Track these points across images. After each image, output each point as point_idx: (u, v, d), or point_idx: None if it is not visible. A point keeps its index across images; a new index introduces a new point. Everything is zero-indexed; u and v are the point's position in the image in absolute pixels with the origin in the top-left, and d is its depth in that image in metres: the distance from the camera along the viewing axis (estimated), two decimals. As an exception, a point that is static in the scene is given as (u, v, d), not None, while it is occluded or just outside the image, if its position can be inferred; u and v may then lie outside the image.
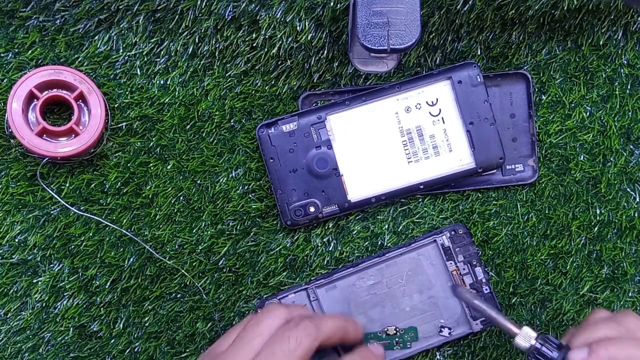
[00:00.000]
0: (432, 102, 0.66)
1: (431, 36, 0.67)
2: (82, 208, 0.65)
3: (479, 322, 0.66)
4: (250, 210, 0.66)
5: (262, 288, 0.67)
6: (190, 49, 0.66)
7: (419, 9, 0.57)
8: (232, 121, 0.66)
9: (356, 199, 0.66)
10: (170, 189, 0.66)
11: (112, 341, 0.66)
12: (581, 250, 0.68)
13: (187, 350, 0.66)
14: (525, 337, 0.56)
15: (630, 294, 0.68)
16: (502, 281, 0.67)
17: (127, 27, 0.65)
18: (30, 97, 0.63)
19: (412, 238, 0.67)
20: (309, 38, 0.65)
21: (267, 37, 0.65)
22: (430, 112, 0.66)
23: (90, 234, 0.65)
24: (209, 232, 0.66)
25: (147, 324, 0.66)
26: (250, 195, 0.67)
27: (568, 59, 0.68)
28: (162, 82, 0.66)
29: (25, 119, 0.63)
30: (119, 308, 0.66)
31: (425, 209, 0.67)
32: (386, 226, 0.67)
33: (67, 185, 0.65)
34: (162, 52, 0.66)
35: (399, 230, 0.67)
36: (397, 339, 0.66)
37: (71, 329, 0.65)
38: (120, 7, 0.65)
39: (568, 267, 0.67)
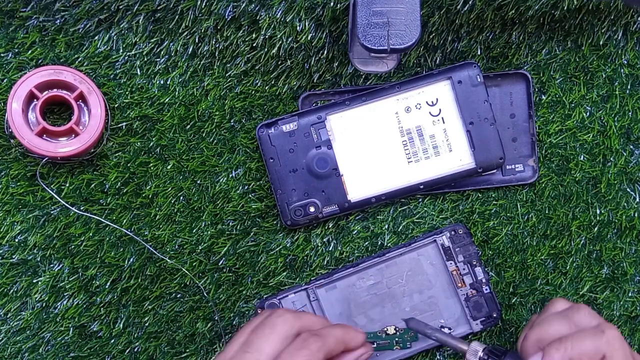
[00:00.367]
0: (432, 102, 0.66)
1: (431, 36, 0.67)
2: (82, 208, 0.65)
3: (478, 322, 0.66)
4: (250, 210, 0.67)
5: (262, 288, 0.67)
6: (190, 49, 0.66)
7: (419, 9, 0.57)
8: (232, 121, 0.66)
9: (356, 199, 0.66)
10: (170, 189, 0.66)
11: (112, 341, 0.66)
12: (581, 250, 0.68)
13: (187, 350, 0.66)
14: (473, 352, 0.60)
15: (630, 294, 0.68)
16: (502, 281, 0.67)
17: (127, 27, 0.65)
18: (30, 97, 0.63)
19: (412, 238, 0.67)
20: (309, 38, 0.65)
21: (267, 37, 0.65)
22: (430, 112, 0.66)
23: (90, 234, 0.65)
24: (209, 232, 0.66)
25: (147, 324, 0.66)
26: (250, 195, 0.67)
27: (568, 59, 0.68)
28: (162, 82, 0.66)
29: (25, 119, 0.63)
30: (119, 308, 0.66)
31: (425, 209, 0.67)
32: (386, 226, 0.67)
33: (67, 185, 0.65)
34: (162, 52, 0.66)
35: (399, 230, 0.67)
36: (397, 339, 0.66)
37: (71, 329, 0.65)
38: (120, 7, 0.65)
39: (568, 267, 0.67)
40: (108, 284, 0.66)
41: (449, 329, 0.66)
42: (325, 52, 0.66)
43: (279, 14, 0.65)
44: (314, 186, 0.65)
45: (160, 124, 0.66)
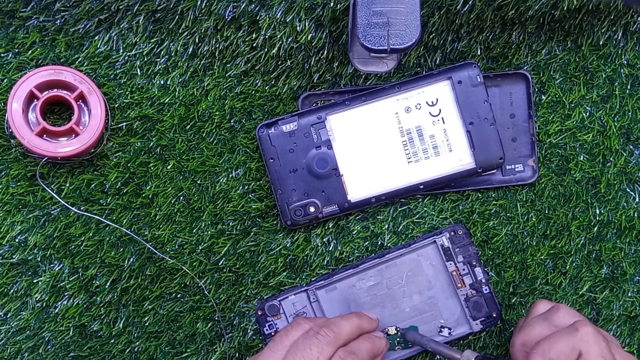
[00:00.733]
0: (432, 102, 0.66)
1: (431, 36, 0.67)
2: (82, 208, 0.65)
3: (478, 322, 0.66)
4: (250, 210, 0.67)
5: (262, 288, 0.67)
6: (190, 49, 0.66)
7: (419, 9, 0.57)
8: (232, 121, 0.66)
9: (356, 199, 0.66)
10: (170, 189, 0.66)
11: (112, 341, 0.66)
12: (581, 250, 0.68)
13: (188, 350, 0.66)
14: None
15: (629, 294, 0.68)
16: (502, 281, 0.67)
17: (127, 27, 0.65)
18: (31, 97, 0.63)
19: (412, 238, 0.67)
20: (309, 38, 0.65)
21: (267, 37, 0.65)
22: (430, 112, 0.66)
23: (90, 234, 0.65)
24: (209, 232, 0.66)
25: (147, 324, 0.66)
26: (250, 195, 0.67)
27: (568, 59, 0.68)
28: (162, 82, 0.66)
29: (25, 119, 0.63)
30: (119, 308, 0.66)
31: (425, 209, 0.67)
32: (386, 226, 0.67)
33: (67, 185, 0.65)
34: (162, 52, 0.66)
35: (399, 230, 0.67)
36: (397, 339, 0.66)
37: (71, 328, 0.65)
38: (120, 7, 0.65)
39: (567, 267, 0.68)
40: (108, 283, 0.66)
41: (449, 329, 0.66)
42: (325, 52, 0.66)
43: (279, 14, 0.65)
44: (314, 186, 0.65)
45: (161, 124, 0.66)
